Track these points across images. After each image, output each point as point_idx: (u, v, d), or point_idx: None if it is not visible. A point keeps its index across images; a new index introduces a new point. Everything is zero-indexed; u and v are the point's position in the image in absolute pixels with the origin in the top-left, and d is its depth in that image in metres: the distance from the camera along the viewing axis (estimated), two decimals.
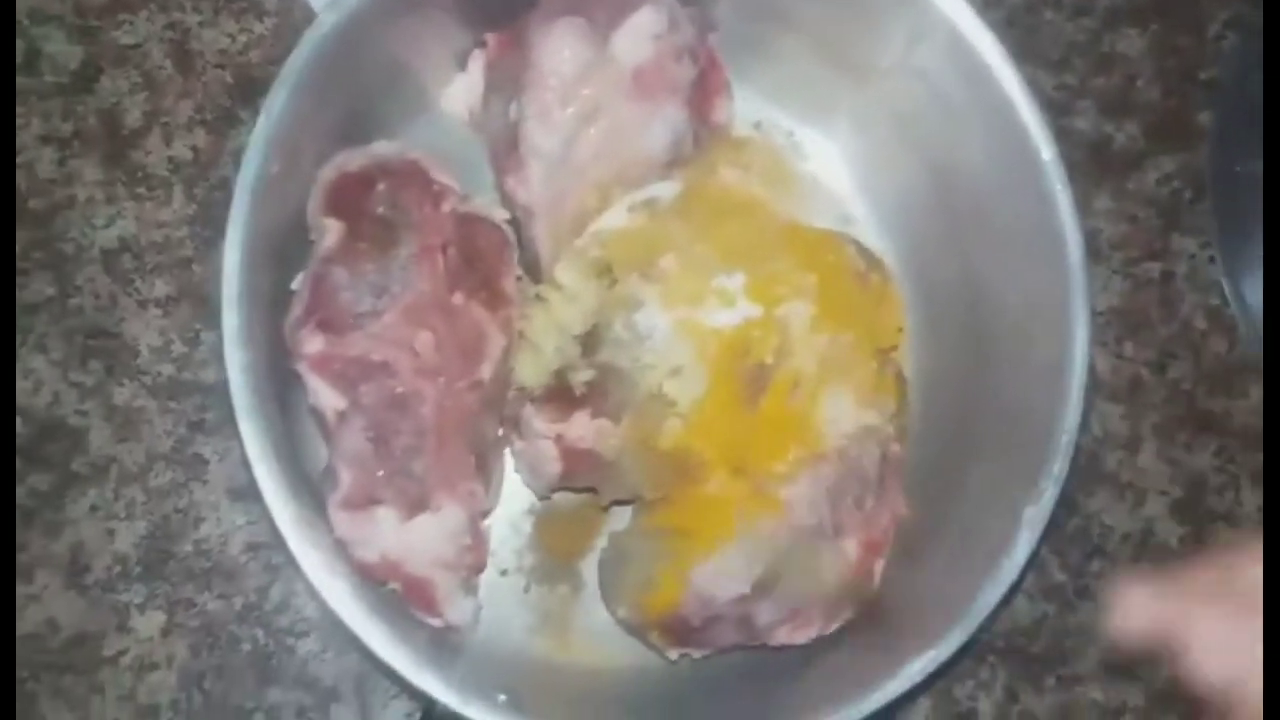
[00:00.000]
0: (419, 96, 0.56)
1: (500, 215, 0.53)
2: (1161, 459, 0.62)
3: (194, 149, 0.60)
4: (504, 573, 0.55)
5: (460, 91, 0.57)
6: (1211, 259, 0.64)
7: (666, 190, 0.54)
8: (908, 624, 0.49)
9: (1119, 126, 0.66)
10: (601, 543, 0.55)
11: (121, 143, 0.59)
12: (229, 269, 0.45)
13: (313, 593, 0.44)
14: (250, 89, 0.60)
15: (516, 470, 0.54)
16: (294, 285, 0.50)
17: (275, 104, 0.46)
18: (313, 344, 0.47)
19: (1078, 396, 0.47)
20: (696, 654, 0.50)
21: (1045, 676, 0.59)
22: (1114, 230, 0.64)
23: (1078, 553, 0.60)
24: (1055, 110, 0.63)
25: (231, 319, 0.44)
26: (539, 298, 0.53)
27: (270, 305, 0.48)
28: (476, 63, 0.56)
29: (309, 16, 0.60)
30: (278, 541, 0.55)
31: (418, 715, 0.55)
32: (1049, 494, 0.46)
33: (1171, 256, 0.64)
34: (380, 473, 0.47)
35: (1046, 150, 0.49)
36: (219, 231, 0.58)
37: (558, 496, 0.55)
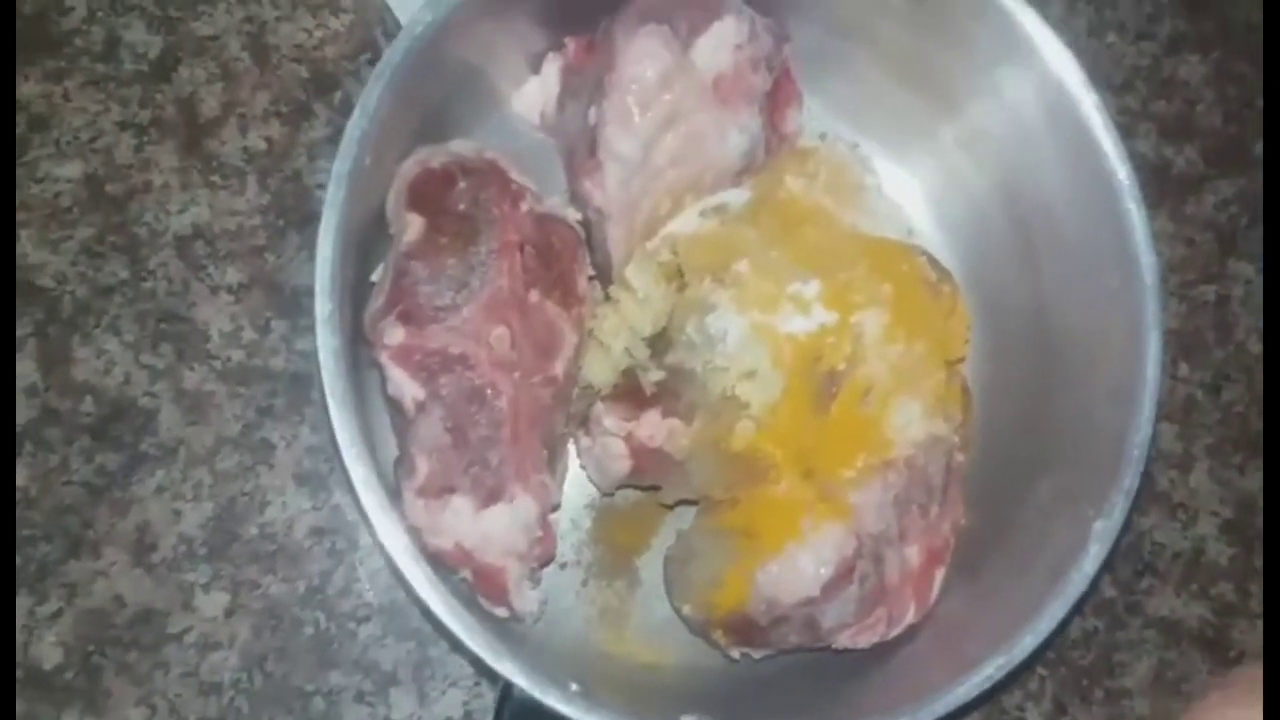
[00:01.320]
0: (491, 97, 0.57)
1: (572, 216, 0.54)
2: (1213, 479, 0.63)
3: (268, 140, 0.61)
4: (563, 566, 0.56)
5: (533, 94, 0.58)
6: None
7: (737, 197, 0.55)
8: (969, 632, 0.49)
9: (1179, 151, 0.66)
10: (660, 540, 0.56)
11: (198, 131, 0.60)
12: (322, 257, 0.45)
13: (396, 576, 0.45)
14: (325, 83, 0.61)
15: (582, 466, 0.54)
16: (373, 277, 0.51)
17: (371, 98, 0.47)
18: (394, 335, 0.48)
19: (1149, 413, 0.47)
20: (757, 654, 0.51)
21: (1094, 689, 0.59)
22: (1172, 253, 0.65)
23: (1128, 569, 0.61)
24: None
25: (324, 305, 0.45)
26: (610, 298, 0.54)
27: (351, 296, 0.49)
28: (552, 66, 0.57)
29: (383, 14, 0.61)
30: (342, 527, 0.57)
31: (474, 702, 0.55)
32: (1120, 507, 0.47)
33: (1228, 280, 0.65)
34: (457, 463, 0.47)
35: (1123, 171, 0.50)
36: (291, 222, 0.60)
37: (618, 493, 0.56)
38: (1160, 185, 0.66)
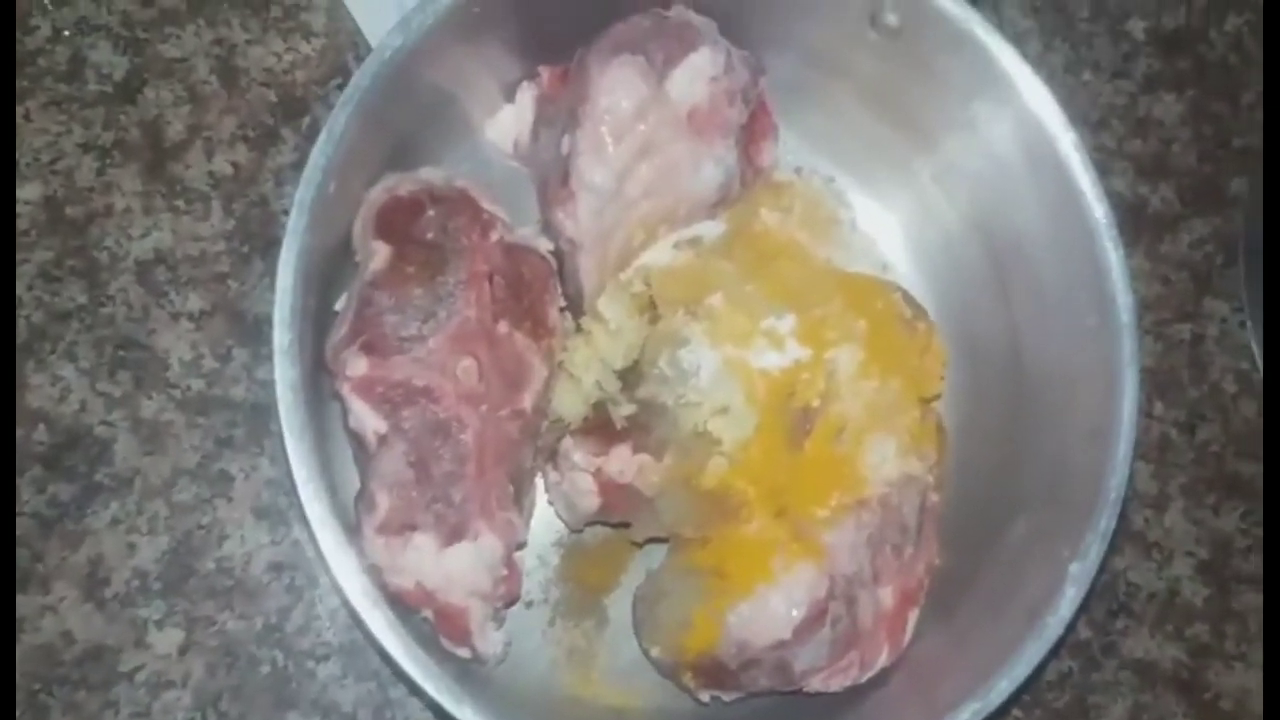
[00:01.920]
0: (463, 125, 0.56)
1: (544, 246, 0.53)
2: (1188, 519, 0.62)
3: (234, 165, 0.60)
4: (529, 605, 0.55)
5: (507, 122, 0.57)
6: (1242, 323, 0.65)
7: (711, 229, 0.54)
8: (944, 675, 0.48)
9: (1154, 189, 0.66)
10: (629, 579, 0.55)
11: (162, 155, 0.59)
12: (283, 285, 0.44)
13: (354, 618, 0.43)
14: (293, 108, 0.60)
15: (550, 502, 0.53)
16: (337, 306, 0.50)
17: (338, 124, 0.46)
18: (357, 366, 0.47)
19: (1125, 454, 0.47)
20: (728, 698, 0.50)
21: None
22: (1147, 291, 0.65)
23: (1103, 609, 0.60)
24: None
25: (283, 336, 0.44)
26: (581, 330, 0.53)
27: (313, 325, 0.48)
28: (526, 95, 0.56)
29: (355, 39, 0.61)
30: (301, 563, 0.56)
31: None
32: (1096, 549, 0.46)
33: (1203, 319, 0.65)
34: (419, 499, 0.46)
35: (1100, 210, 0.50)
36: (255, 248, 0.59)
37: (587, 530, 0.55)
38: (1136, 224, 0.66)
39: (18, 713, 0.53)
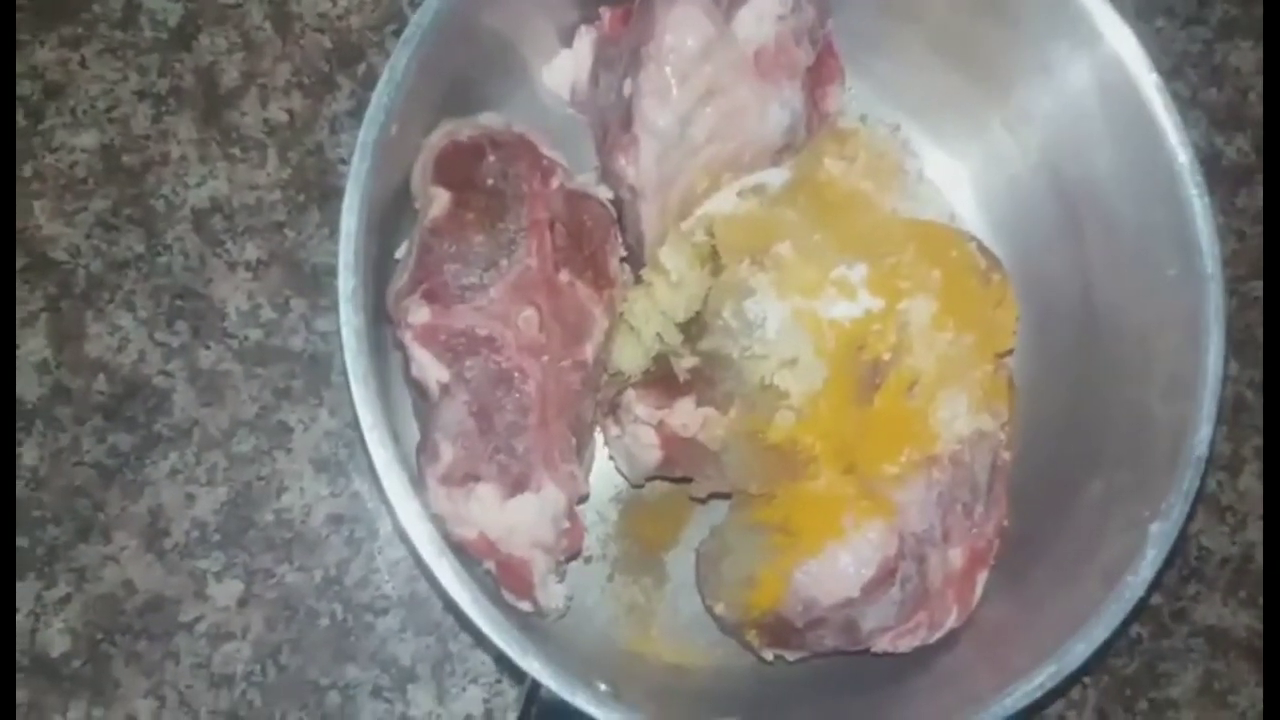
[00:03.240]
0: (521, 71, 0.55)
1: (604, 195, 0.52)
2: (1263, 483, 0.60)
3: (289, 112, 0.59)
4: (588, 560, 0.54)
5: (565, 67, 0.56)
6: None
7: (776, 177, 0.53)
8: (1014, 639, 0.47)
9: (1229, 140, 0.64)
10: (689, 535, 0.54)
11: (218, 102, 0.58)
12: (346, 230, 0.43)
13: (419, 566, 0.43)
14: (348, 55, 0.59)
15: (610, 457, 0.52)
16: (397, 254, 0.49)
17: (399, 63, 0.45)
18: (419, 314, 0.46)
19: (1210, 411, 0.45)
20: (791, 657, 0.49)
21: (1137, 700, 0.57)
22: (1221, 245, 0.62)
23: (1174, 575, 0.59)
24: None
25: (348, 281, 0.43)
26: (642, 281, 0.52)
27: (374, 273, 0.47)
28: (585, 39, 0.55)
29: None
30: (361, 515, 0.55)
31: (495, 700, 0.53)
32: (1178, 509, 0.45)
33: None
34: (482, 449, 0.45)
35: (1183, 155, 0.48)
36: (311, 197, 0.58)
37: (647, 485, 0.54)
38: (1210, 176, 0.62)
39: (80, 663, 0.53)
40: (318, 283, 0.57)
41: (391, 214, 0.49)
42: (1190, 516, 0.59)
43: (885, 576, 0.45)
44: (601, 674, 0.45)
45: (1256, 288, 0.63)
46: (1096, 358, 0.52)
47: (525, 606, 0.47)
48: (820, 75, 0.54)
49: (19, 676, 0.52)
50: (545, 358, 0.47)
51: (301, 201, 0.58)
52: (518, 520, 0.45)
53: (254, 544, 0.54)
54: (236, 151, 0.58)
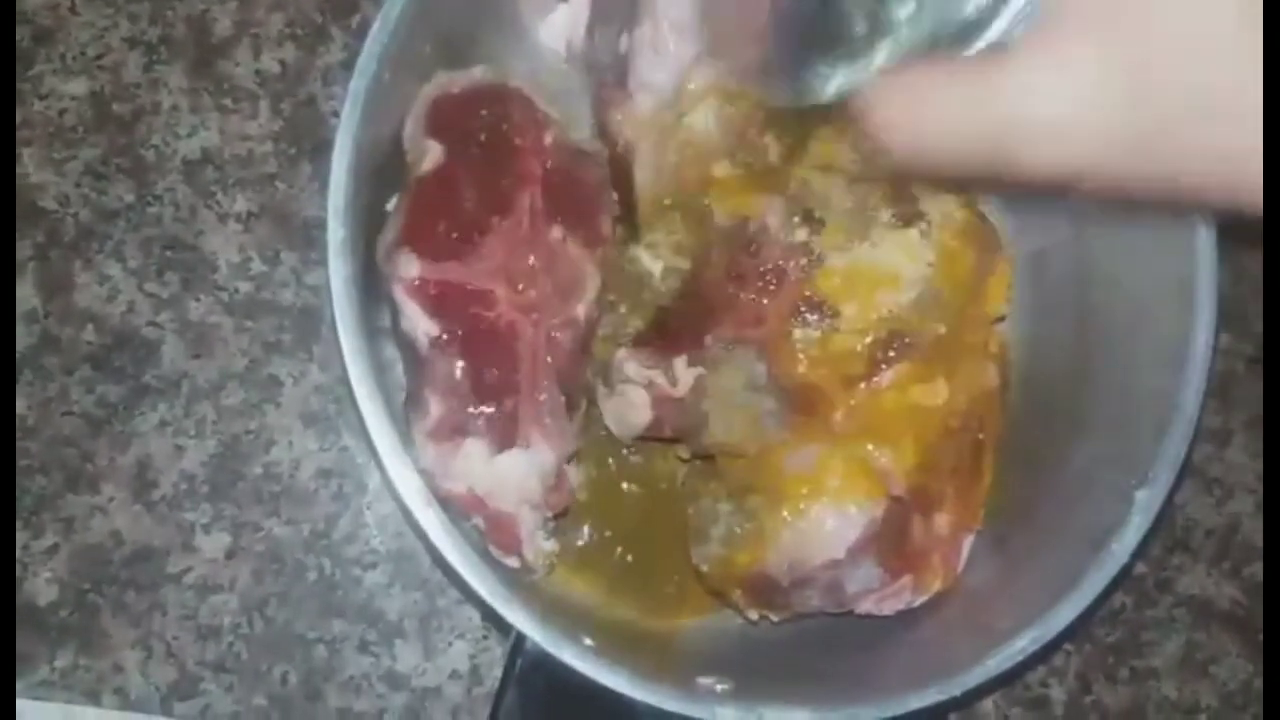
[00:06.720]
0: (517, 26, 0.55)
1: (599, 151, 0.51)
2: (1251, 455, 0.60)
3: (282, 63, 0.58)
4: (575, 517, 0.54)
5: (561, 22, 0.55)
6: None
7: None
8: (998, 603, 0.47)
9: None
10: (678, 495, 0.54)
11: (209, 52, 0.58)
12: (336, 178, 0.43)
13: (407, 519, 0.43)
14: (342, 6, 0.59)
15: (599, 415, 0.52)
16: (388, 206, 0.48)
17: (393, 11, 0.44)
18: (409, 267, 0.46)
19: (1200, 379, 0.45)
20: (776, 617, 0.49)
21: (1119, 668, 0.57)
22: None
23: (1159, 546, 0.59)
24: None
25: (337, 231, 0.43)
26: (634, 240, 0.51)
27: (365, 224, 0.47)
28: None
29: None
30: (350, 470, 0.55)
31: (481, 656, 0.54)
32: (1165, 477, 0.45)
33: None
34: (471, 404, 0.45)
35: None
36: (303, 151, 0.58)
37: (636, 444, 0.54)
38: None
39: (67, 612, 0.53)
40: (309, 236, 0.56)
41: (383, 166, 0.48)
42: (1177, 487, 0.59)
43: (870, 538, 0.45)
44: (588, 630, 0.45)
45: (1252, 260, 0.62)
46: (1090, 323, 0.51)
47: (513, 562, 0.47)
48: None
49: None
50: (535, 315, 0.47)
51: (293, 154, 0.57)
52: (506, 475, 0.45)
53: (242, 497, 0.54)
54: (228, 102, 0.57)
